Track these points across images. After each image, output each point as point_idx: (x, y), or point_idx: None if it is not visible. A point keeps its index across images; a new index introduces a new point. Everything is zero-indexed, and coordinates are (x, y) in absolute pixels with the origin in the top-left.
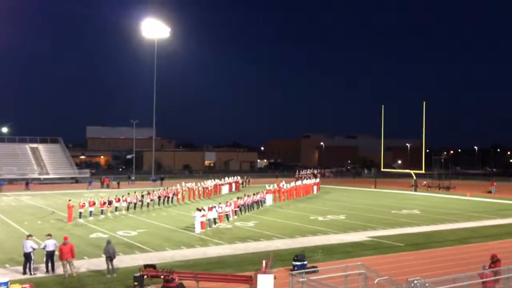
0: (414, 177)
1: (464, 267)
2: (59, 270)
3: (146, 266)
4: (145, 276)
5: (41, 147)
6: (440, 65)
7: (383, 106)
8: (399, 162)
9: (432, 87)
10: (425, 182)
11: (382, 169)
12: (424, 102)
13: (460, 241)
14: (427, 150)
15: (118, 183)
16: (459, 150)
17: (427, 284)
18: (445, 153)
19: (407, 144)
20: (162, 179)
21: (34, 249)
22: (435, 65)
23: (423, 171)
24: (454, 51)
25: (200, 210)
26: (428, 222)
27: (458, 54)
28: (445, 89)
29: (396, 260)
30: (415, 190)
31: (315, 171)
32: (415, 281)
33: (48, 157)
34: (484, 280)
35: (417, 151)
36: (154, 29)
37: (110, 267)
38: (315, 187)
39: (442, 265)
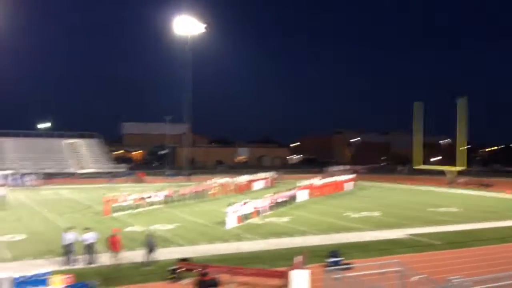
0: (451, 175)
1: (505, 266)
2: (98, 262)
3: (181, 259)
4: (181, 270)
5: (79, 142)
6: (478, 59)
7: (417, 103)
8: (436, 158)
9: (470, 82)
10: (462, 180)
11: (416, 166)
12: (461, 98)
13: (501, 240)
14: (466, 147)
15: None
16: (499, 147)
17: (466, 283)
18: (483, 150)
19: (443, 141)
20: (189, 174)
21: (74, 241)
22: (472, 60)
23: (460, 168)
24: (491, 45)
25: (233, 205)
26: (466, 220)
27: (496, 47)
28: (484, 84)
29: (434, 258)
30: (452, 188)
31: (345, 168)
32: (455, 280)
33: (86, 152)
34: None
35: (454, 148)
36: (187, 25)
37: (149, 259)
38: (348, 184)
39: (482, 264)
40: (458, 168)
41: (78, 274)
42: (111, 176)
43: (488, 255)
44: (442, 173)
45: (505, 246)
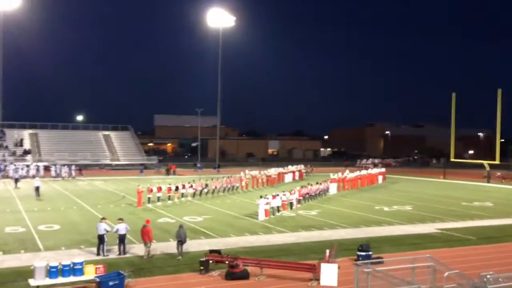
0: (487, 168)
1: None
2: (130, 252)
3: (211, 251)
4: (211, 261)
5: (112, 134)
6: None
7: (454, 94)
8: (471, 152)
9: (507, 73)
10: (499, 173)
11: (452, 159)
12: (498, 90)
13: None
14: (502, 140)
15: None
16: None
17: (500, 279)
18: None
19: (479, 134)
20: (218, 167)
21: (107, 231)
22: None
23: (497, 162)
24: None
25: (264, 198)
26: (502, 215)
27: None
28: None
29: (467, 253)
30: (488, 182)
31: (376, 161)
32: (488, 276)
33: (119, 144)
34: None
35: (490, 141)
36: (219, 18)
37: (180, 250)
38: (380, 177)
39: None
40: (494, 162)
41: (110, 264)
42: (142, 168)
43: None
44: (479, 166)
45: None
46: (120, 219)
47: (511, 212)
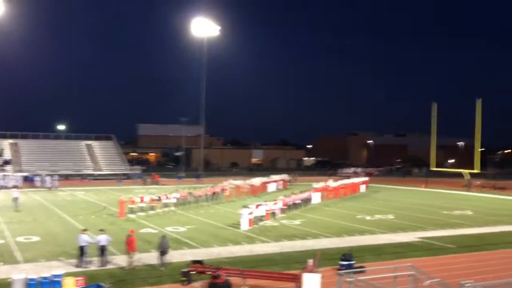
0: (467, 177)
1: None
2: (110, 264)
3: (194, 262)
4: (193, 272)
5: (95, 144)
6: (495, 62)
7: (433, 104)
8: (451, 161)
9: (486, 85)
10: (478, 182)
11: (433, 168)
12: (478, 100)
13: None
14: (481, 150)
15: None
16: None
17: None
18: (500, 152)
19: (459, 143)
20: (198, 176)
21: (88, 243)
22: (488, 63)
23: (476, 171)
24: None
25: (247, 208)
26: (481, 224)
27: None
28: (500, 86)
29: (448, 262)
30: (468, 190)
31: (357, 170)
32: (467, 285)
33: (101, 153)
34: None
35: (470, 150)
36: (203, 27)
37: (162, 261)
38: (363, 186)
39: (496, 268)
40: (474, 171)
41: (91, 276)
42: (120, 178)
43: (501, 259)
44: (459, 175)
45: None
46: (102, 230)
47: (490, 221)
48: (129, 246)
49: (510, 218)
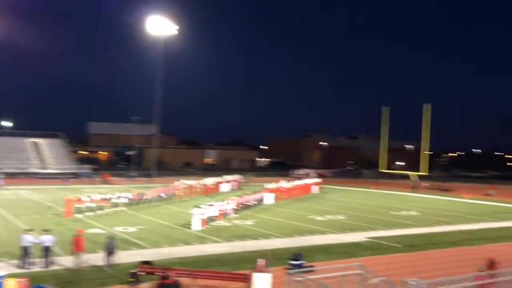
0: (414, 179)
1: (461, 269)
2: (55, 265)
3: (143, 262)
4: (142, 273)
5: (42, 141)
6: (443, 68)
7: (384, 108)
8: (400, 163)
9: (435, 90)
10: (424, 184)
11: (382, 170)
12: (426, 105)
13: (457, 243)
14: (428, 153)
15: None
16: (459, 153)
17: (423, 286)
18: (445, 155)
19: (408, 146)
20: (149, 175)
21: (32, 243)
22: (438, 69)
23: (423, 173)
24: (456, 55)
25: (199, 208)
26: (426, 224)
27: (460, 58)
28: (447, 92)
29: (394, 261)
30: (415, 192)
31: (309, 171)
32: (412, 282)
33: (49, 151)
34: (481, 282)
35: (418, 153)
36: (159, 26)
37: (109, 262)
38: (315, 187)
39: (439, 266)
40: (421, 173)
41: (34, 277)
42: (66, 177)
43: (444, 258)
44: (407, 177)
45: (460, 250)
46: (46, 230)
47: (434, 221)
48: (76, 246)
49: (453, 219)
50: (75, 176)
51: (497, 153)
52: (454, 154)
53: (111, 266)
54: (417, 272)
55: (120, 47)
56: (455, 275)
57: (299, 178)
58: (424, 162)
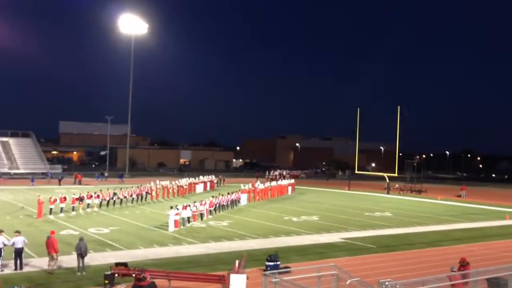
0: (387, 180)
1: (434, 270)
2: (27, 267)
3: (117, 264)
4: (116, 275)
5: (11, 141)
6: (415, 70)
7: (358, 109)
8: (373, 165)
9: (407, 92)
10: (397, 185)
11: (356, 172)
12: (398, 107)
13: (430, 244)
14: (400, 154)
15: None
16: (431, 155)
17: (398, 286)
18: (417, 157)
19: (381, 147)
20: (122, 176)
21: (5, 244)
22: (409, 69)
23: (396, 174)
24: (429, 55)
25: (174, 209)
26: (399, 225)
27: (432, 58)
28: (419, 94)
29: (368, 261)
30: (388, 193)
31: (284, 172)
32: (386, 283)
33: (18, 151)
34: (453, 282)
35: (390, 155)
36: (131, 25)
37: (81, 264)
38: (289, 188)
39: (413, 267)
40: (394, 174)
41: (5, 280)
42: (32, 177)
43: (417, 258)
44: (380, 178)
45: (433, 250)
46: (17, 231)
47: (408, 222)
48: (51, 248)
49: (425, 219)
50: (43, 176)
51: (468, 154)
52: (426, 155)
53: (83, 268)
54: (392, 272)
55: (93, 45)
56: (429, 275)
57: (274, 179)
58: (397, 163)
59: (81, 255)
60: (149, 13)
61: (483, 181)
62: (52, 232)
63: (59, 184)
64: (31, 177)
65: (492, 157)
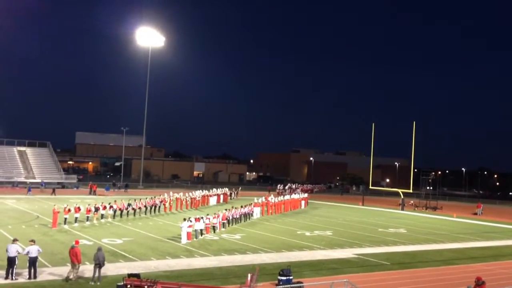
0: (402, 196)
1: None
2: (41, 276)
3: (130, 275)
4: (129, 286)
5: (28, 150)
6: (431, 87)
7: (373, 124)
8: (387, 180)
9: (422, 108)
10: (412, 202)
11: (370, 187)
12: (414, 122)
13: (446, 262)
14: (415, 170)
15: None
16: (447, 171)
17: None
18: (433, 173)
19: (396, 163)
20: (126, 186)
21: (18, 253)
22: (425, 87)
23: (410, 191)
24: (445, 73)
25: (187, 221)
26: (414, 242)
27: (449, 77)
28: (435, 110)
29: (382, 278)
30: (402, 209)
31: (293, 186)
32: None
33: (35, 161)
34: None
35: (405, 170)
36: (148, 37)
37: (97, 274)
38: (303, 202)
39: (428, 285)
40: (408, 190)
41: None
42: (29, 187)
43: (432, 277)
44: (394, 194)
45: (448, 268)
46: (32, 240)
47: (422, 239)
48: (74, 257)
49: (441, 237)
50: (61, 186)
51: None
52: (442, 172)
53: (99, 279)
54: None
55: (110, 57)
56: None
57: (280, 194)
58: (412, 179)
59: (99, 265)
60: (166, 27)
61: (500, 199)
62: (77, 242)
63: (54, 194)
64: (28, 187)
65: (509, 175)
